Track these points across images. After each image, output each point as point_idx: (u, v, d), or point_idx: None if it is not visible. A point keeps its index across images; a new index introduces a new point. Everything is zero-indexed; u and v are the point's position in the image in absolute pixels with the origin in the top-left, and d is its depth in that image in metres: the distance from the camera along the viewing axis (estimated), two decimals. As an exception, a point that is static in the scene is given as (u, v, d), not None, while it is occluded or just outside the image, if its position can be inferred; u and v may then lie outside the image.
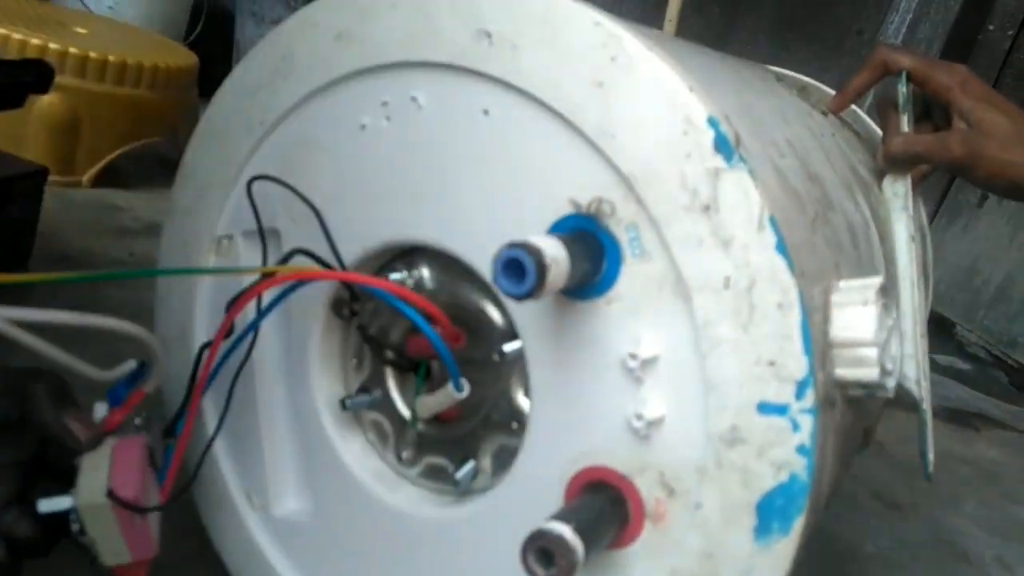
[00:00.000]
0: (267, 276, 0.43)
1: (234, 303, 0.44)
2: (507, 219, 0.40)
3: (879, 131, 0.65)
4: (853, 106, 0.69)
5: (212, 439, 0.49)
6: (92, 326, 0.37)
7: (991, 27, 1.81)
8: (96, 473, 0.40)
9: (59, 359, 0.38)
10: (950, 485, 1.12)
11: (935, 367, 1.66)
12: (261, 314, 0.45)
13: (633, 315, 0.38)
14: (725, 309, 0.36)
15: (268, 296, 0.45)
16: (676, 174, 0.36)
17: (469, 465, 0.45)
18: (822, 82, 0.73)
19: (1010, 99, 0.59)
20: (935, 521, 1.00)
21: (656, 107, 0.36)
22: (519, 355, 0.42)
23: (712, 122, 0.36)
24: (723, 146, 0.35)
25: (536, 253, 0.33)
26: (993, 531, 1.03)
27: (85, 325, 0.37)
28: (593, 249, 0.38)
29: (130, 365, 0.44)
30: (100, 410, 0.43)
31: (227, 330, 0.45)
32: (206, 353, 0.46)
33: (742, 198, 0.35)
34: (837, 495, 0.52)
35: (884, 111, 0.61)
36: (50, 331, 0.36)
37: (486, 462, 0.45)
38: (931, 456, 0.61)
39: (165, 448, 0.46)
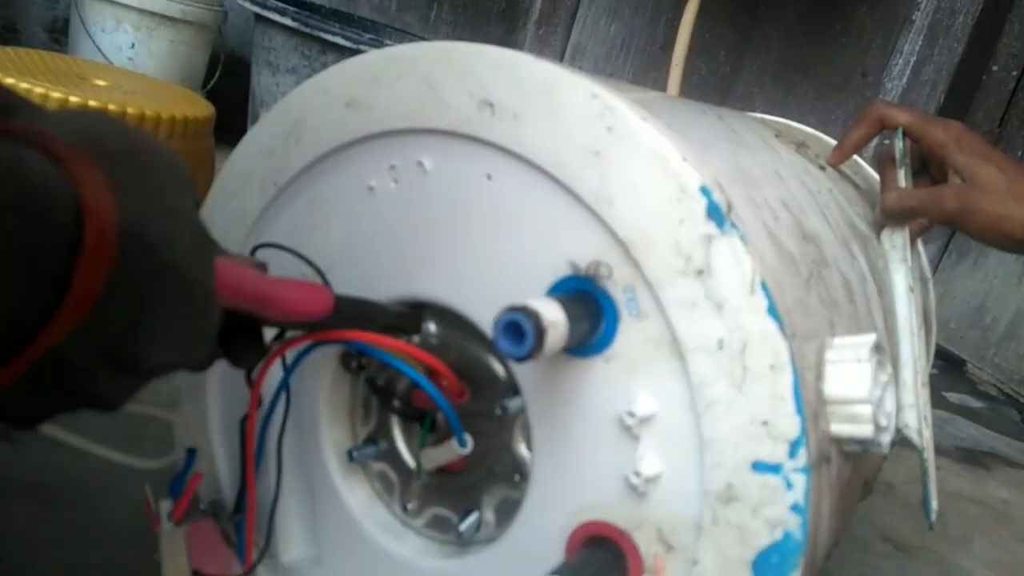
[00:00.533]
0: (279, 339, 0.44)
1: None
2: (509, 279, 0.42)
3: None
4: (855, 156, 0.71)
5: (273, 504, 0.49)
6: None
7: (995, 68, 1.83)
8: (176, 560, 0.42)
9: (94, 452, 0.39)
10: (960, 526, 1.12)
11: (947, 405, 1.66)
12: (288, 372, 0.47)
13: (630, 373, 0.39)
14: (719, 370, 0.37)
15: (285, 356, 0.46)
16: (670, 239, 0.37)
17: (473, 517, 0.46)
18: (827, 123, 0.75)
19: (1016, 139, 0.60)
20: (944, 563, 1.00)
21: (651, 175, 0.38)
22: (522, 409, 0.43)
23: (704, 190, 0.37)
24: (715, 213, 0.37)
25: (535, 316, 0.35)
26: (1003, 572, 1.02)
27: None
28: (591, 309, 0.39)
29: (180, 454, 0.46)
30: (166, 506, 0.46)
31: (257, 401, 0.47)
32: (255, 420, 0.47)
33: (734, 263, 0.36)
34: (838, 545, 0.52)
35: (883, 165, 0.62)
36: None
37: (489, 514, 0.46)
38: (934, 504, 0.61)
39: (235, 525, 0.48)
